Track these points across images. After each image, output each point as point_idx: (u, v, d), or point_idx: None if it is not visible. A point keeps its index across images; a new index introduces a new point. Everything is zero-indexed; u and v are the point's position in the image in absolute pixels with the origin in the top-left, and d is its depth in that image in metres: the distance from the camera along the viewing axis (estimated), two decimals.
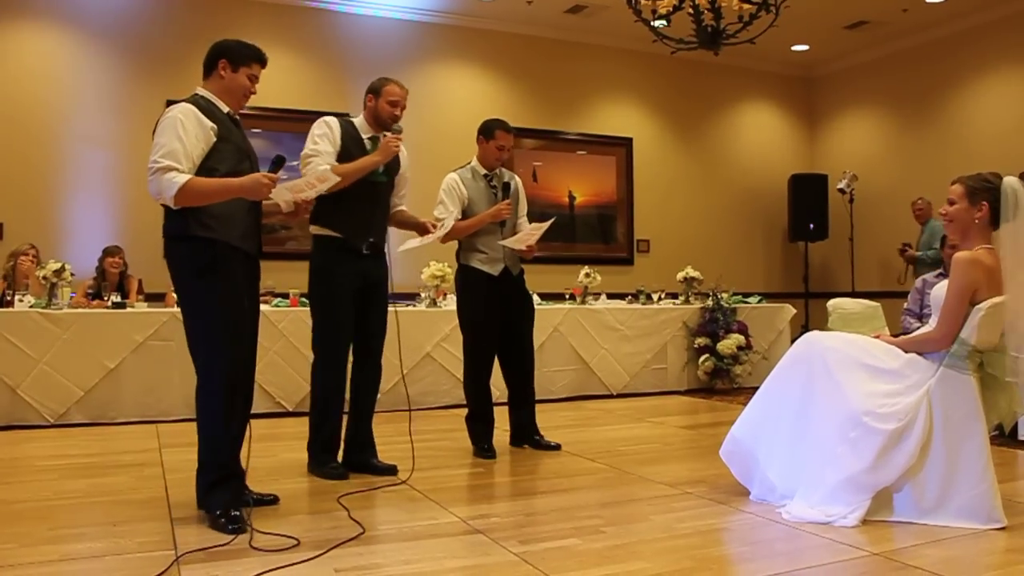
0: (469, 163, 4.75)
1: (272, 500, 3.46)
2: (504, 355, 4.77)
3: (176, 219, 3.18)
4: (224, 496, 3.15)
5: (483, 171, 4.69)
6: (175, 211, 3.15)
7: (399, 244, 4.19)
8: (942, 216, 3.45)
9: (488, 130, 4.66)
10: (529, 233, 4.61)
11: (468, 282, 4.67)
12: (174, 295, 6.14)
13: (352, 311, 4.02)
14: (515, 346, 4.76)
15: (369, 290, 4.05)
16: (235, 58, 3.33)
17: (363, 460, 4.09)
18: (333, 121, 3.99)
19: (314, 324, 4.07)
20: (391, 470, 4.03)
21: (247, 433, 3.30)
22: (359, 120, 4.10)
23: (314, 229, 4.03)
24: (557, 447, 4.71)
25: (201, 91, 3.34)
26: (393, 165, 4.10)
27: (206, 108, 3.24)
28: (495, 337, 4.68)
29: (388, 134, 4.00)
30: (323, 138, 3.93)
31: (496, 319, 4.65)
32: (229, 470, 3.21)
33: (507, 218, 4.63)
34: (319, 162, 3.81)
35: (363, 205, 3.98)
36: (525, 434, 4.78)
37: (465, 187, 4.62)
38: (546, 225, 4.65)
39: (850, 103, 10.37)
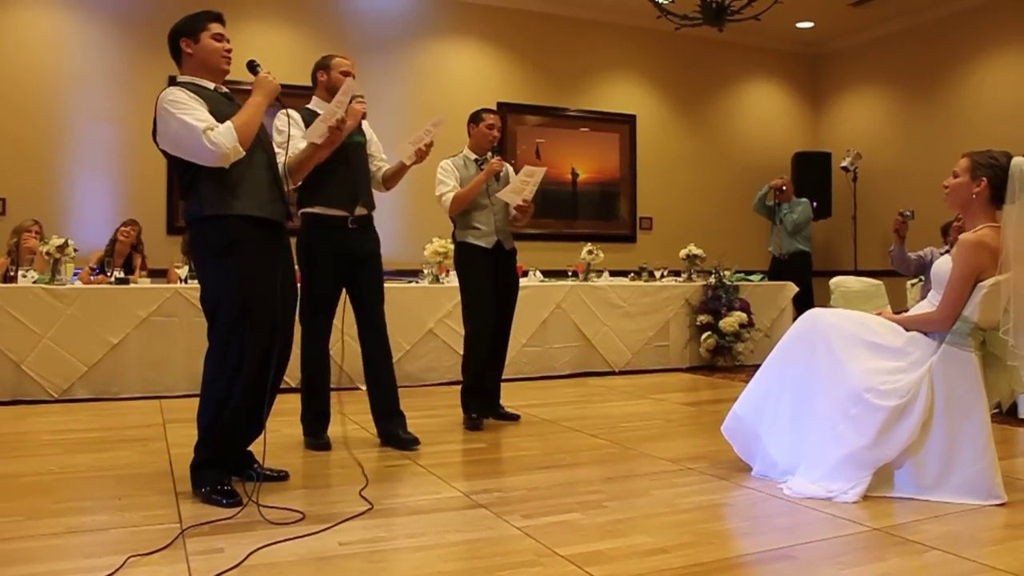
0: (461, 152, 4.95)
1: (283, 476, 3.48)
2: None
3: (192, 202, 3.17)
4: (213, 473, 3.16)
5: (474, 156, 4.89)
6: (190, 195, 3.15)
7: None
8: (944, 188, 3.44)
9: (475, 115, 4.93)
10: (523, 181, 4.66)
11: (464, 257, 4.83)
12: (176, 271, 6.26)
13: (335, 289, 4.14)
14: (501, 321, 4.87)
15: (358, 265, 4.13)
16: (190, 30, 3.26)
17: (389, 430, 4.17)
18: (291, 111, 3.96)
19: (300, 301, 4.12)
20: (413, 442, 4.10)
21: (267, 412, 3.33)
22: (315, 102, 4.20)
23: (302, 210, 4.13)
24: (516, 417, 4.90)
25: (182, 78, 3.29)
26: (362, 134, 4.26)
27: (193, 90, 3.16)
28: (492, 310, 4.78)
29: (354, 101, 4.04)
30: (287, 126, 3.93)
31: (491, 293, 4.78)
32: (224, 449, 3.21)
33: (499, 196, 4.73)
34: (295, 143, 3.80)
35: (344, 169, 4.07)
36: (489, 403, 4.92)
37: (457, 169, 4.82)
38: (540, 171, 4.69)
39: (855, 81, 10.31)
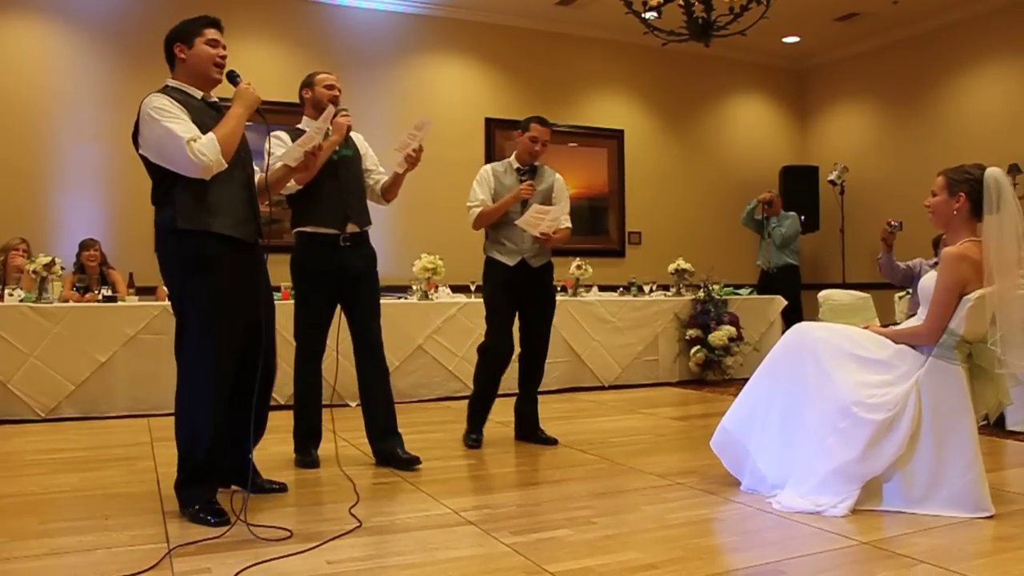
0: (508, 158, 4.81)
1: (280, 488, 3.51)
2: (522, 347, 4.78)
3: (165, 211, 3.13)
4: (198, 492, 3.13)
5: (517, 165, 4.71)
6: (165, 203, 3.11)
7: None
8: (926, 208, 3.47)
9: (524, 122, 4.70)
10: (535, 215, 4.45)
11: (487, 271, 4.72)
12: (165, 289, 6.22)
13: (328, 306, 4.11)
14: (529, 341, 4.75)
15: (352, 283, 4.09)
16: (186, 35, 3.24)
17: (387, 450, 4.10)
18: (281, 132, 4.05)
19: (294, 318, 4.16)
20: (413, 461, 4.03)
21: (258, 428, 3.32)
22: (304, 121, 4.19)
23: (295, 229, 4.15)
24: (554, 442, 4.68)
25: (171, 82, 3.25)
26: (351, 148, 4.22)
27: (180, 99, 3.14)
28: (508, 326, 4.67)
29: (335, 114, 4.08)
30: (279, 147, 3.95)
31: (511, 309, 4.67)
32: (205, 468, 3.16)
33: (519, 224, 4.57)
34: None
35: (333, 186, 4.05)
36: (525, 425, 4.79)
37: (495, 178, 4.66)
38: (552, 209, 4.48)
39: (841, 95, 10.39)
